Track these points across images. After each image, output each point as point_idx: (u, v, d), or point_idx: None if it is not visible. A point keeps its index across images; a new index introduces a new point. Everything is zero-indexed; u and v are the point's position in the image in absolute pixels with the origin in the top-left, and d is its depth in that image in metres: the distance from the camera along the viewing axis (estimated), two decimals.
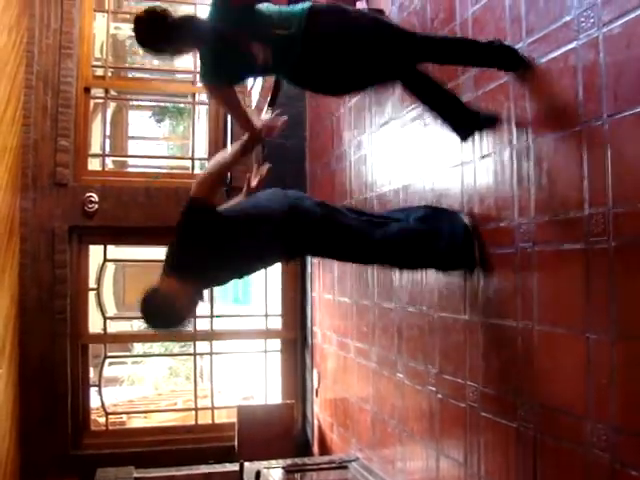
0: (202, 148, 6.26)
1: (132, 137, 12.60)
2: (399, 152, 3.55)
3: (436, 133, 3.07)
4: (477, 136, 2.72)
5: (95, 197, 4.92)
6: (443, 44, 2.55)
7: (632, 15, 1.85)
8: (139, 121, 13.62)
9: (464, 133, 2.71)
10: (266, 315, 5.70)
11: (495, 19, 2.61)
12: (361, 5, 4.07)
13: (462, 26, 2.88)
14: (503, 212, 2.51)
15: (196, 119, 6.57)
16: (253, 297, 12.37)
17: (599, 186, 1.95)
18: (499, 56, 2.44)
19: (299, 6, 2.37)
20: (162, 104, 11.75)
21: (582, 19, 2.07)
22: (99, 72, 5.46)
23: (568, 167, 2.11)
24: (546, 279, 2.23)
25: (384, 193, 3.77)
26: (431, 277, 3.12)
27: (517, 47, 2.41)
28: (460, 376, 2.81)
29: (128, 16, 8.89)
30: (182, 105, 11.51)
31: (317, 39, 2.31)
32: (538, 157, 2.30)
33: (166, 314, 2.32)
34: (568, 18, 2.13)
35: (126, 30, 9.99)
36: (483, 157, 2.68)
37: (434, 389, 3.06)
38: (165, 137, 14.17)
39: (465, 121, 2.66)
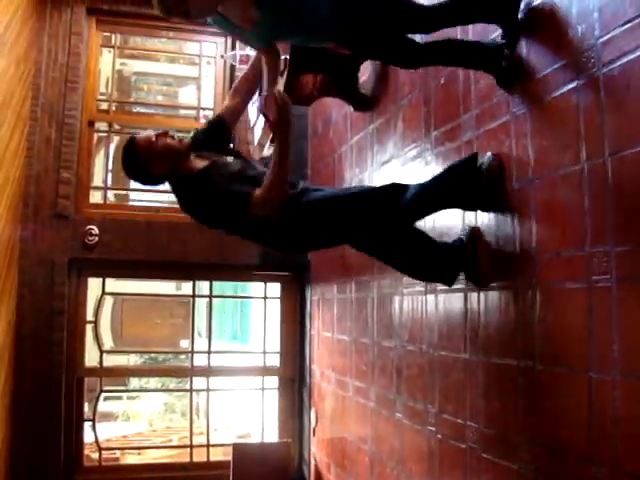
0: None
1: None
2: None
3: (437, 171, 3.08)
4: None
5: (96, 230, 4.92)
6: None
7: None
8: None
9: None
10: (264, 352, 5.65)
11: None
12: None
13: (464, 84, 2.90)
14: (505, 248, 2.50)
15: None
16: (251, 335, 12.28)
17: (601, 224, 1.95)
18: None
19: None
20: None
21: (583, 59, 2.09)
22: (104, 106, 5.52)
23: (571, 204, 2.11)
24: (549, 316, 2.21)
25: None
26: (431, 314, 3.09)
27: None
28: (460, 416, 2.76)
29: (135, 52, 9.06)
30: None
31: None
32: (539, 195, 2.30)
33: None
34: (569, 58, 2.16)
35: (132, 66, 10.15)
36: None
37: (434, 429, 3.01)
38: None
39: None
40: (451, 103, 2.99)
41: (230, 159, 2.71)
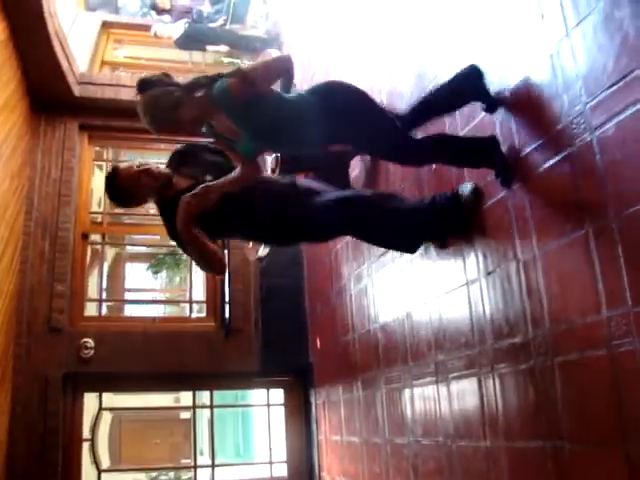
0: (200, 291, 6.23)
1: (129, 290, 12.63)
2: (400, 280, 3.48)
3: (436, 256, 3.03)
4: (480, 254, 2.68)
5: (91, 342, 4.80)
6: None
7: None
8: (136, 273, 13.70)
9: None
10: (270, 462, 5.38)
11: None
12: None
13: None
14: (515, 327, 2.40)
15: (193, 264, 6.57)
16: (255, 448, 11.81)
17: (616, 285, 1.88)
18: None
19: None
20: (159, 254, 11.87)
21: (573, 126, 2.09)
22: (97, 219, 5.54)
23: (579, 271, 2.04)
24: (572, 390, 2.09)
25: (388, 323, 3.67)
26: (445, 404, 2.95)
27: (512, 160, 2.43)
28: None
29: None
30: (178, 256, 11.66)
31: None
32: (546, 266, 2.23)
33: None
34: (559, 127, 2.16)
35: None
36: (489, 274, 2.61)
37: None
38: (162, 289, 14.19)
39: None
40: (445, 187, 2.98)
41: (209, 177, 2.76)
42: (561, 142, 2.15)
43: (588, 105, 2.03)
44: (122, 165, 2.82)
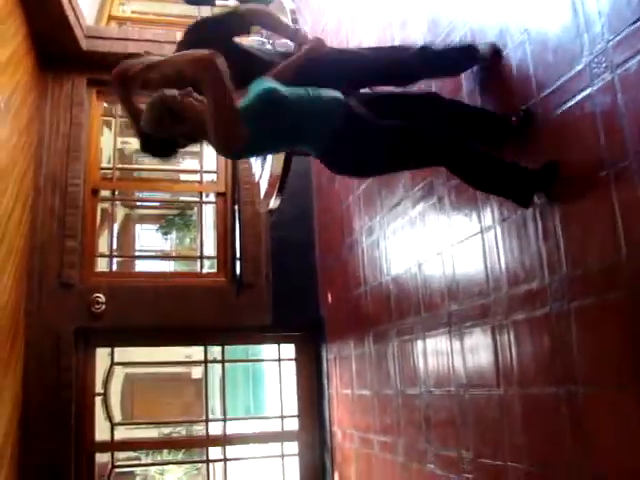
0: (210, 247, 6.22)
1: (139, 250, 12.69)
2: (412, 231, 3.45)
3: (450, 206, 2.99)
4: (495, 201, 2.64)
5: (102, 297, 4.80)
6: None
7: None
8: (146, 235, 13.75)
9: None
10: (282, 417, 5.42)
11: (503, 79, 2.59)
12: None
13: (470, 95, 2.86)
14: (531, 273, 2.37)
15: (204, 220, 6.57)
16: (266, 404, 11.94)
17: None
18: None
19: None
20: (168, 215, 11.87)
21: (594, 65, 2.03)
22: (107, 175, 5.51)
23: (598, 214, 2.00)
24: (587, 335, 2.07)
25: (400, 275, 3.65)
26: (457, 354, 2.93)
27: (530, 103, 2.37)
28: (500, 458, 2.57)
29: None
30: (189, 215, 11.65)
31: None
32: (562, 214, 2.19)
33: None
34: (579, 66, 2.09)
35: (133, 144, 10.26)
36: (504, 220, 2.57)
37: (471, 476, 2.80)
38: (172, 250, 14.25)
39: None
40: None
41: None
42: (581, 82, 2.09)
43: (610, 43, 1.96)
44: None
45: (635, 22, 1.86)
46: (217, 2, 6.40)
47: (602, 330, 1.99)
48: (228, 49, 2.32)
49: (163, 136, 2.24)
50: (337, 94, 2.31)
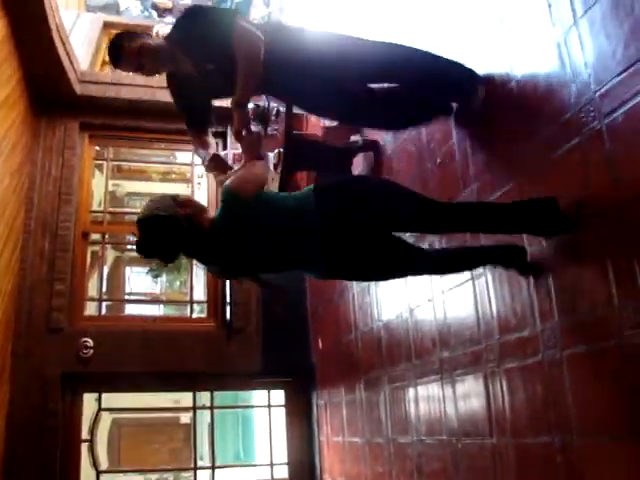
0: (200, 292, 6.18)
1: (129, 294, 12.58)
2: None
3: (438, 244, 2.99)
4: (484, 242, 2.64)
5: (90, 342, 4.75)
6: (451, 211, 2.37)
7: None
8: (135, 277, 13.65)
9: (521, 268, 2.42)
10: (271, 464, 5.32)
11: None
12: (355, 138, 4.16)
13: (460, 143, 2.89)
14: (523, 321, 2.36)
15: (194, 265, 6.53)
16: (256, 451, 11.72)
17: None
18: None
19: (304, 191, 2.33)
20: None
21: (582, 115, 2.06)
22: (98, 218, 5.50)
23: (590, 263, 2.00)
24: (581, 384, 2.05)
25: (391, 321, 3.63)
26: (450, 402, 2.90)
27: None
28: None
29: (127, 173, 9.20)
30: (179, 259, 11.58)
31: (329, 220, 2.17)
32: (554, 262, 2.20)
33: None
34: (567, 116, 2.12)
35: (124, 187, 10.29)
36: (495, 267, 2.57)
37: None
38: (162, 293, 14.15)
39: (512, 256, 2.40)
40: (450, 181, 2.95)
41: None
42: (570, 131, 2.11)
43: (597, 93, 1.99)
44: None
45: (620, 74, 1.89)
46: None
47: (596, 380, 1.98)
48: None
49: (163, 222, 2.21)
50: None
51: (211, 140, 2.89)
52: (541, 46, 2.28)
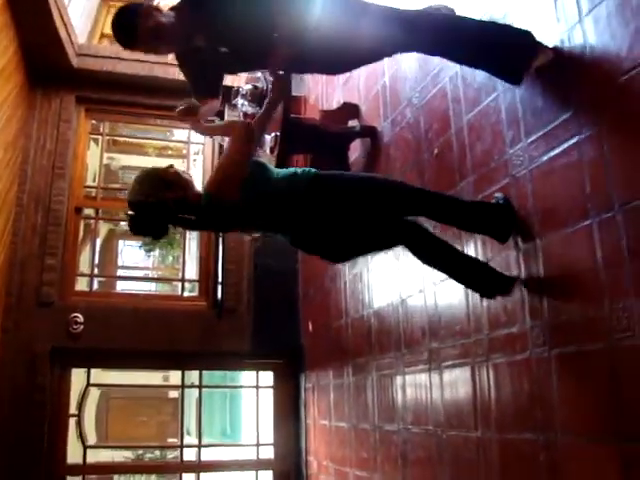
0: (192, 270, 6.17)
1: (122, 267, 12.57)
2: (396, 266, 3.44)
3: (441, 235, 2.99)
4: (479, 241, 2.64)
5: (81, 318, 4.74)
6: (435, 200, 2.50)
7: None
8: (128, 251, 13.63)
9: (490, 293, 2.50)
10: (257, 445, 5.35)
11: (491, 124, 2.60)
12: (353, 123, 4.14)
13: (457, 134, 2.87)
14: (512, 317, 2.37)
15: (187, 243, 6.52)
16: (243, 430, 11.82)
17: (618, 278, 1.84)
18: (491, 221, 2.44)
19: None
20: None
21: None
22: (91, 193, 5.47)
23: (582, 262, 2.00)
24: (568, 383, 2.06)
25: (382, 309, 3.63)
26: (437, 392, 2.92)
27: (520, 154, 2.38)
28: None
29: (122, 147, 9.13)
30: (173, 233, 11.57)
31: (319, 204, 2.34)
32: (546, 255, 2.19)
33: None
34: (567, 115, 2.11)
35: (119, 160, 10.23)
36: (488, 261, 2.57)
37: None
38: (154, 267, 14.14)
39: (488, 281, 2.46)
40: (447, 172, 2.94)
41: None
42: (567, 132, 2.10)
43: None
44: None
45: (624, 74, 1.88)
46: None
47: (582, 380, 1.99)
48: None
49: (152, 208, 2.32)
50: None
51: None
52: (544, 42, 2.26)
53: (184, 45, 2.54)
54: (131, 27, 2.34)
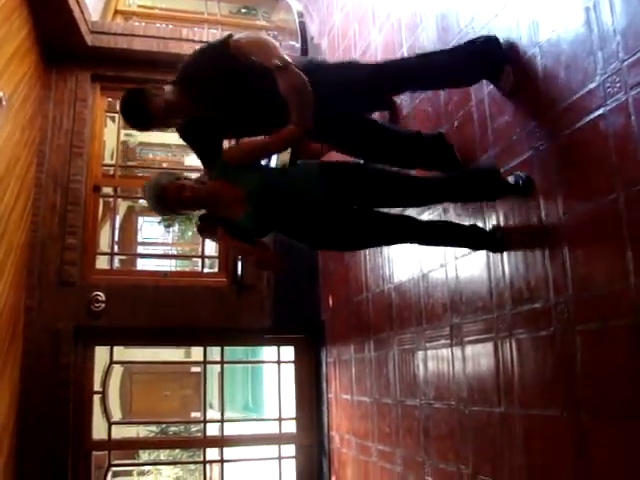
0: (212, 247, 6.19)
1: (141, 243, 12.65)
2: None
3: (456, 217, 2.95)
4: (502, 215, 2.60)
5: (102, 296, 4.77)
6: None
7: None
8: (148, 227, 13.71)
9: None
10: (280, 419, 5.39)
11: None
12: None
13: (478, 106, 2.81)
14: (536, 293, 2.33)
15: None
16: (265, 403, 11.94)
17: None
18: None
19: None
20: None
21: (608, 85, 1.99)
22: (109, 171, 5.47)
23: (607, 237, 1.96)
24: (592, 360, 2.03)
25: (403, 284, 3.61)
26: (459, 368, 2.90)
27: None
28: (498, 477, 2.54)
29: None
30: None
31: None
32: (571, 235, 2.15)
33: None
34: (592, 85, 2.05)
35: (136, 137, 10.22)
36: (510, 235, 2.53)
37: None
38: (174, 243, 14.23)
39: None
40: (467, 145, 2.89)
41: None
42: (593, 102, 2.04)
43: (625, 62, 1.92)
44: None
45: None
46: None
47: (607, 357, 1.96)
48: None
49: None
50: None
51: None
52: (568, 9, 2.19)
53: (190, 116, 2.62)
54: (143, 112, 2.47)
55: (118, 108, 2.64)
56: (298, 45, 4.03)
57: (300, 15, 3.81)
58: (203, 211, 2.61)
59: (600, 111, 2.02)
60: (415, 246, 3.39)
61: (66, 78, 5.10)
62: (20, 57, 4.20)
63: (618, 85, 1.94)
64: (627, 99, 1.90)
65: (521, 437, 2.40)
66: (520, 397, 2.42)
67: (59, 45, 4.86)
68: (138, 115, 2.50)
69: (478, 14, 2.80)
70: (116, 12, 6.13)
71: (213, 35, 5.50)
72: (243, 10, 6.50)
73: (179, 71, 2.62)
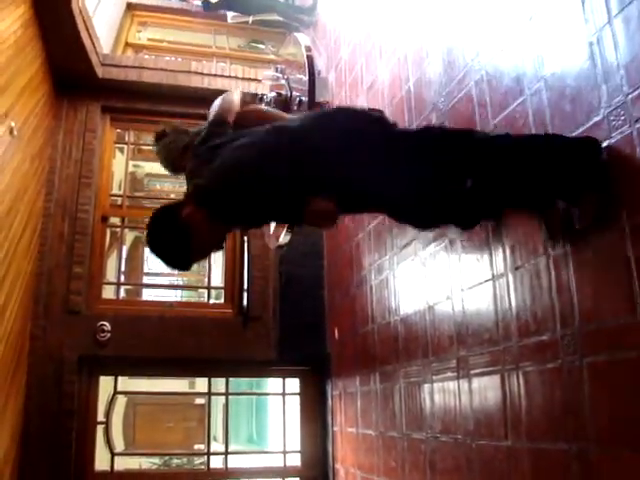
0: (218, 277, 6.18)
1: (147, 273, 12.65)
2: (423, 273, 3.41)
3: (462, 250, 2.95)
4: (508, 248, 2.60)
5: (108, 326, 4.77)
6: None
7: None
8: (154, 258, 13.70)
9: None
10: (284, 452, 5.34)
11: (518, 128, 2.56)
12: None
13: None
14: (543, 325, 2.32)
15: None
16: (269, 436, 11.81)
17: None
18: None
19: None
20: None
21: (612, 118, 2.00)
22: (117, 202, 5.51)
23: (613, 269, 1.96)
24: (601, 393, 2.01)
25: (409, 316, 3.60)
26: (465, 400, 2.88)
27: None
28: None
29: (148, 154, 9.18)
30: None
31: None
32: (577, 266, 2.15)
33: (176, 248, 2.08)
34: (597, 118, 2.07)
35: (144, 168, 10.29)
36: (517, 269, 2.53)
37: None
38: (180, 274, 14.21)
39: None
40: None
41: None
42: (598, 134, 2.06)
43: (629, 96, 1.94)
44: None
45: None
46: (254, 16, 6.21)
47: (616, 389, 1.94)
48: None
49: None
50: None
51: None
52: (572, 44, 2.22)
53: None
54: (184, 251, 2.13)
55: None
56: (305, 79, 4.09)
57: (308, 49, 3.87)
58: None
59: (605, 143, 2.03)
60: (421, 277, 3.40)
61: (76, 109, 5.19)
62: (32, 88, 4.28)
63: (622, 118, 1.96)
64: (632, 132, 1.91)
65: (529, 471, 2.37)
66: (528, 430, 2.39)
67: (71, 76, 4.95)
68: (180, 262, 2.23)
69: (484, 48, 2.84)
70: (126, 45, 6.24)
71: (222, 68, 5.58)
72: (252, 44, 6.57)
73: None
